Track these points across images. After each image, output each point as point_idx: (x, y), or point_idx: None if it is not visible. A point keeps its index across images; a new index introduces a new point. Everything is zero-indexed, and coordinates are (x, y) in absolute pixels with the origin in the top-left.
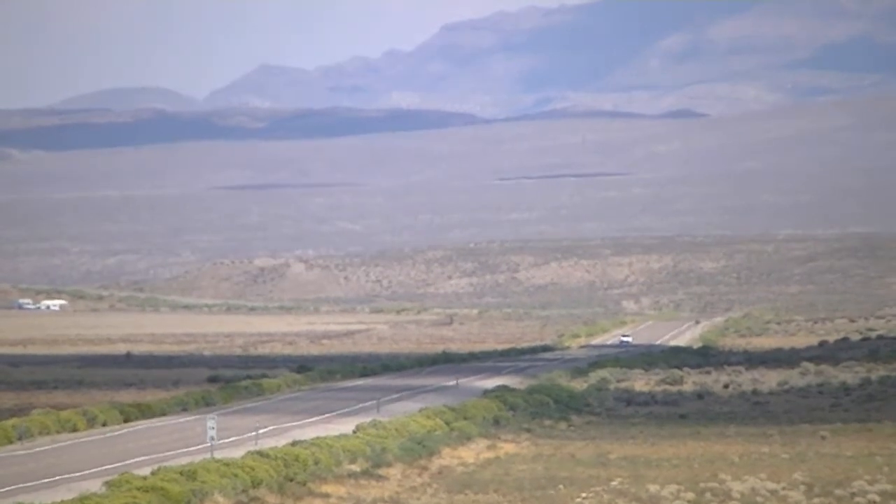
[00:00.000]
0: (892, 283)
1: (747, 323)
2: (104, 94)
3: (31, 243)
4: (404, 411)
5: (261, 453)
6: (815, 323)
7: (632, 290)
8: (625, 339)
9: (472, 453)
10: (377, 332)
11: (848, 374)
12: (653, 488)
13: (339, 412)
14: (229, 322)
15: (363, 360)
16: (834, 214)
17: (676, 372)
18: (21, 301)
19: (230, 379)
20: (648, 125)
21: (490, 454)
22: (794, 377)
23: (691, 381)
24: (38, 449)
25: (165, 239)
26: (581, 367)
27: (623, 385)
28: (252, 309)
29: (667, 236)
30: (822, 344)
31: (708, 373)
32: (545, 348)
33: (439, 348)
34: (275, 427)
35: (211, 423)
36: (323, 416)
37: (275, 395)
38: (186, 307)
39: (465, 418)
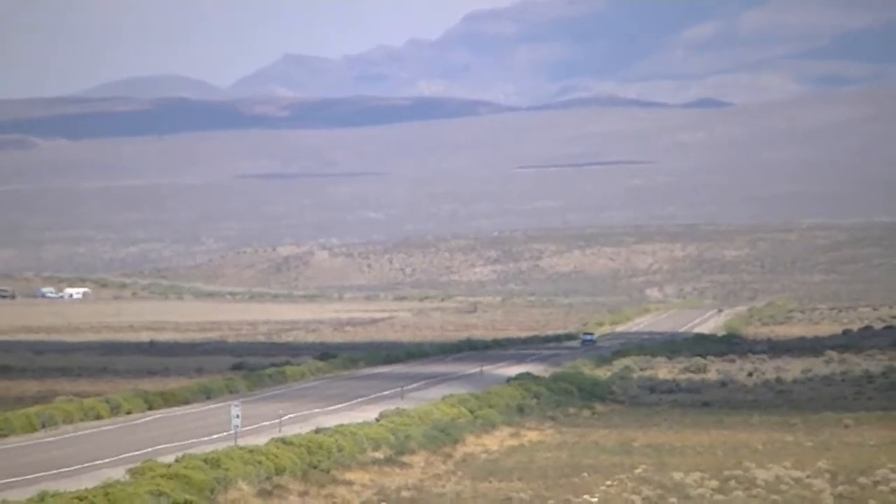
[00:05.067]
0: None
1: (771, 311)
2: (128, 83)
3: (54, 232)
4: (428, 399)
5: (284, 441)
6: (839, 311)
7: (655, 278)
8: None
9: (496, 441)
10: (401, 320)
11: (871, 363)
12: (677, 476)
13: (362, 399)
14: (253, 310)
15: (387, 347)
16: (858, 203)
17: (700, 360)
18: (44, 289)
19: (254, 366)
20: (672, 114)
21: (514, 442)
22: (818, 365)
23: (715, 369)
24: (61, 436)
25: (189, 227)
26: (605, 355)
27: (647, 373)
28: (276, 297)
29: (691, 225)
30: (846, 332)
31: (732, 361)
32: (569, 336)
33: (463, 336)
34: (298, 414)
35: (235, 410)
36: (346, 404)
37: (298, 383)
38: (210, 295)
39: (489, 406)
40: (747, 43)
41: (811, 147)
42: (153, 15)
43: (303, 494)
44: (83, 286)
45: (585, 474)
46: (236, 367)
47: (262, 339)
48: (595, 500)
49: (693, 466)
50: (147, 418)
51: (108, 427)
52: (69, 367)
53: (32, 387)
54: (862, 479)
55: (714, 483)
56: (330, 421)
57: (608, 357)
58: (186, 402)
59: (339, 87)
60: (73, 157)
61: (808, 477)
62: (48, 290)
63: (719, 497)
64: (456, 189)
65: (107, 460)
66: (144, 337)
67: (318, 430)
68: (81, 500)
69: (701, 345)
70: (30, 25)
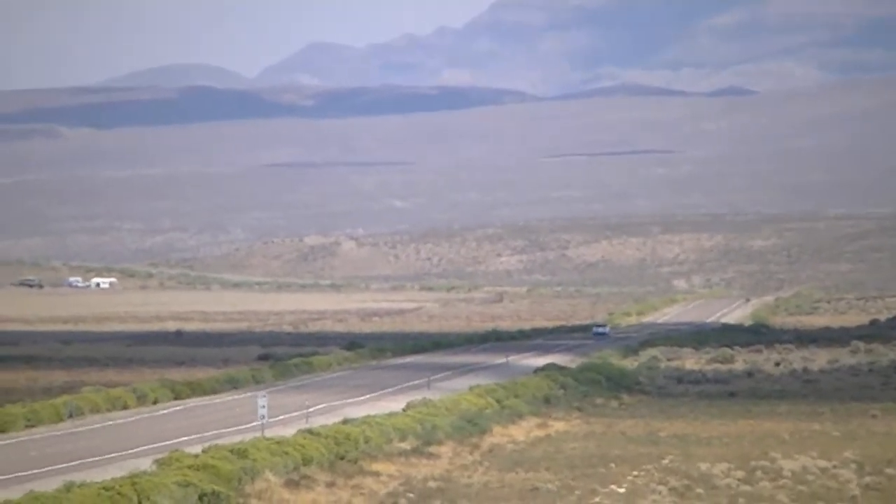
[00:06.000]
0: None
1: (798, 301)
2: (153, 72)
3: (80, 221)
4: (455, 389)
5: (311, 431)
6: (866, 301)
7: (682, 268)
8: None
9: (523, 431)
10: (427, 310)
11: None
12: (703, 466)
13: (389, 390)
14: (280, 300)
15: (413, 337)
16: (884, 192)
17: (727, 350)
18: (71, 279)
19: (281, 356)
20: (697, 102)
21: (541, 432)
22: (845, 355)
23: (742, 359)
24: (88, 427)
25: (216, 216)
26: (632, 346)
27: (674, 363)
28: (303, 286)
29: (717, 214)
30: (873, 322)
31: (758, 351)
32: (596, 326)
33: (489, 326)
34: (325, 405)
35: (262, 401)
36: (373, 394)
37: (325, 373)
38: (237, 285)
39: (516, 396)
40: (772, 31)
41: (837, 135)
42: (178, 4)
43: (330, 485)
44: (110, 276)
45: (612, 464)
46: (263, 357)
47: (288, 329)
48: (622, 490)
49: (719, 457)
50: (174, 408)
51: (135, 417)
52: (96, 357)
53: (60, 377)
54: (889, 470)
55: (740, 473)
56: (357, 411)
57: (635, 347)
58: (213, 392)
59: (365, 76)
60: (99, 146)
61: (834, 467)
62: (75, 280)
63: (745, 487)
64: (482, 178)
65: (134, 450)
66: (171, 327)
67: (345, 421)
68: (108, 490)
69: (728, 335)
70: (55, 15)
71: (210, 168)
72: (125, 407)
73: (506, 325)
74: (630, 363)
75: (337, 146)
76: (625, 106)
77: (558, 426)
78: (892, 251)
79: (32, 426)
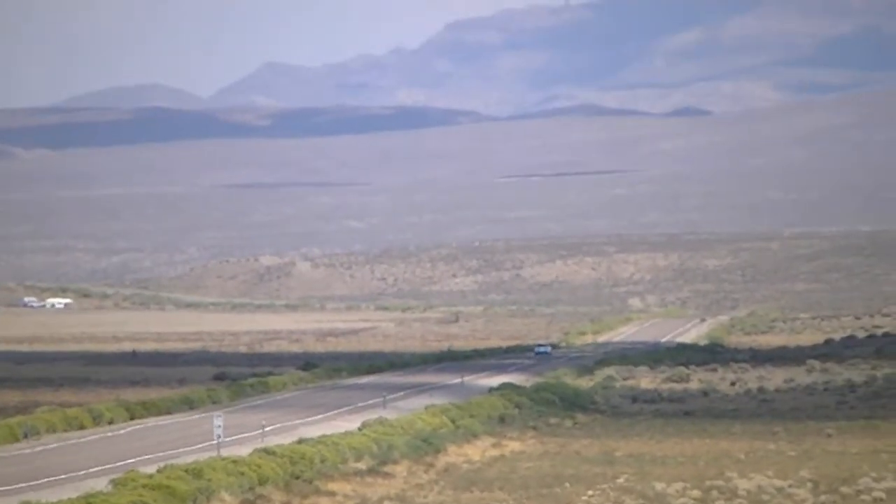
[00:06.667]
0: None
1: (753, 321)
2: (109, 92)
3: (36, 241)
4: (410, 409)
5: (267, 451)
6: (821, 320)
7: (637, 287)
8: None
9: (478, 451)
10: (382, 330)
11: (854, 372)
12: (659, 486)
13: (345, 409)
14: (235, 320)
15: (369, 357)
16: (840, 212)
17: (682, 369)
18: (26, 299)
19: (236, 377)
20: (654, 123)
21: (496, 452)
22: (800, 375)
23: (697, 378)
24: (44, 447)
25: (171, 237)
26: (587, 365)
27: (629, 383)
28: (258, 307)
29: (673, 234)
30: (828, 342)
31: (714, 370)
32: (552, 346)
33: (444, 346)
34: (281, 425)
35: (217, 420)
36: (329, 414)
37: (281, 393)
38: (192, 305)
39: (471, 416)
40: (728, 51)
41: (793, 155)
42: (134, 24)
43: None
44: (66, 296)
45: (567, 484)
46: (218, 378)
47: (244, 349)
48: None
49: (675, 476)
50: (129, 428)
51: (91, 437)
52: (51, 377)
53: (14, 397)
54: (844, 489)
55: (696, 493)
56: (312, 431)
57: (590, 367)
58: (169, 412)
59: (320, 96)
60: (54, 166)
61: (790, 486)
62: (31, 300)
63: None
64: (437, 198)
65: (89, 471)
66: (127, 347)
67: (300, 441)
68: None
69: (683, 354)
70: (9, 35)
71: (165, 188)
72: (81, 427)
73: (461, 344)
74: (585, 382)
75: (292, 166)
76: (581, 126)
77: (513, 446)
78: (848, 270)
79: None
